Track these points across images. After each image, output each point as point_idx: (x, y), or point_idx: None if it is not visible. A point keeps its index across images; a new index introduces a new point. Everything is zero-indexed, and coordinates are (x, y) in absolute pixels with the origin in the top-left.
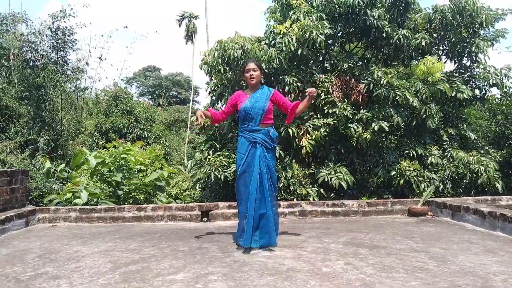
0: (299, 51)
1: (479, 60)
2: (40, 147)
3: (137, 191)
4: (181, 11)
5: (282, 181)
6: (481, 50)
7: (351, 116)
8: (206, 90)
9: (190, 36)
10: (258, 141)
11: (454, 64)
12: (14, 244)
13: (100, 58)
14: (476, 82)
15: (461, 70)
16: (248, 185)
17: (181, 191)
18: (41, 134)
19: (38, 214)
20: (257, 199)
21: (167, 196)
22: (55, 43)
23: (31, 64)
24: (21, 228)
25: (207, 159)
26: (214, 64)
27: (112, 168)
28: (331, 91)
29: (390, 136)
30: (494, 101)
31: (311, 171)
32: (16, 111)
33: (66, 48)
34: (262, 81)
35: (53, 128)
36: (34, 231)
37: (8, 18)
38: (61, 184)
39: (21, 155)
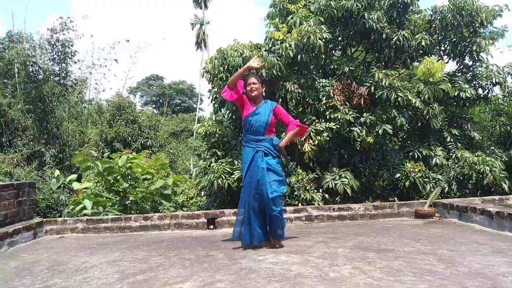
0: (298, 56)
1: (481, 59)
2: (46, 161)
3: (143, 200)
4: (194, 15)
5: (286, 187)
6: (483, 49)
7: (353, 120)
8: (209, 98)
9: (199, 43)
10: (262, 150)
11: (457, 64)
12: (23, 256)
13: (108, 81)
14: (479, 81)
15: (464, 70)
16: (248, 191)
17: (188, 199)
18: (48, 146)
19: (45, 226)
20: (256, 200)
21: (174, 205)
22: (55, 56)
23: (33, 77)
24: (29, 240)
25: (211, 167)
26: (216, 72)
27: (118, 177)
28: (333, 95)
29: (394, 139)
30: (497, 100)
31: (316, 175)
32: (22, 124)
33: (67, 60)
34: (264, 94)
35: (58, 139)
36: (42, 243)
37: (15, 36)
38: (68, 195)
39: (28, 167)
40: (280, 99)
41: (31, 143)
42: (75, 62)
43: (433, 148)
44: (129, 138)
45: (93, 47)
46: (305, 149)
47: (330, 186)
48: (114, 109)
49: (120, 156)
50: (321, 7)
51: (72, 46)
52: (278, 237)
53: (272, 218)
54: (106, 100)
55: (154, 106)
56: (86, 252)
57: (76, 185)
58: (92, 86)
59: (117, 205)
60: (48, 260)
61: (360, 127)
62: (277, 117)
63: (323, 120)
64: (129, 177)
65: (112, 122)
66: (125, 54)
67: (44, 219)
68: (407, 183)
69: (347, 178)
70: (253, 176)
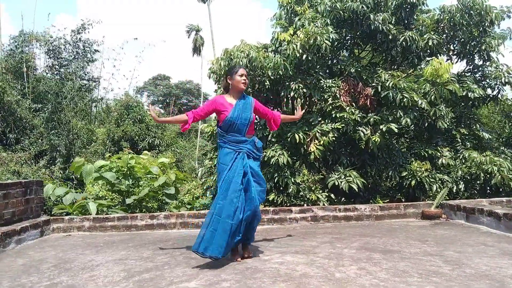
0: (304, 56)
1: (491, 58)
2: (59, 151)
3: (147, 199)
4: (188, 24)
5: (291, 187)
6: (493, 49)
7: (359, 120)
8: None
9: (198, 48)
10: (244, 151)
11: (466, 63)
12: (30, 254)
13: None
14: (488, 81)
15: (473, 70)
16: (230, 194)
17: (194, 199)
18: (56, 140)
19: (52, 224)
20: (239, 207)
21: (180, 204)
22: (76, 54)
23: (52, 72)
24: (36, 238)
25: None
26: (222, 73)
27: (120, 178)
28: (339, 96)
29: (401, 139)
30: (507, 101)
31: (321, 176)
32: (30, 123)
33: (84, 59)
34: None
35: (68, 135)
36: (49, 241)
37: (27, 35)
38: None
39: (35, 166)
40: (285, 99)
41: (39, 141)
42: (92, 61)
43: (440, 148)
44: (137, 137)
45: (103, 48)
46: (311, 149)
47: (336, 184)
48: (122, 108)
49: (119, 158)
50: (328, 8)
51: (91, 46)
52: (251, 242)
53: (254, 223)
54: (114, 99)
55: (161, 105)
56: (92, 250)
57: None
58: (101, 86)
59: (119, 206)
60: (55, 258)
61: (365, 127)
62: (257, 113)
63: (329, 121)
64: (131, 176)
65: (119, 121)
66: (131, 54)
67: (51, 217)
68: (413, 182)
69: (351, 176)
70: (234, 180)
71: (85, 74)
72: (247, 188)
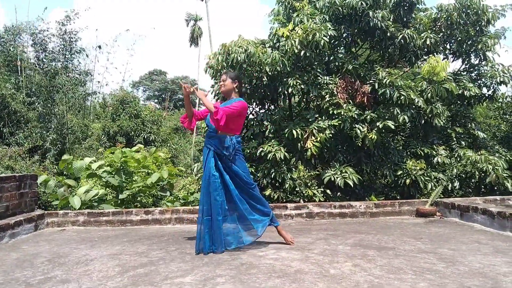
0: (302, 53)
1: (487, 58)
2: (49, 147)
3: (141, 194)
4: (187, 13)
5: (288, 183)
6: (489, 48)
7: (356, 117)
8: (212, 93)
9: (195, 39)
10: (213, 149)
11: (462, 62)
12: (24, 248)
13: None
14: (484, 80)
15: (469, 69)
16: (212, 192)
17: (189, 194)
18: (48, 135)
19: (47, 218)
20: (220, 203)
21: (174, 199)
22: (63, 46)
23: (41, 66)
24: (30, 232)
25: None
26: (219, 68)
27: (113, 173)
28: (336, 93)
29: (397, 137)
30: (505, 99)
31: (317, 172)
32: (24, 116)
33: (71, 51)
34: (237, 90)
35: (60, 131)
36: (43, 235)
37: (16, 28)
38: (70, 189)
39: (30, 160)
40: (283, 95)
41: (34, 135)
42: (78, 52)
43: (435, 147)
44: (132, 132)
45: (97, 41)
46: (307, 146)
47: (332, 180)
48: (118, 103)
49: (112, 152)
50: (326, 4)
51: (77, 39)
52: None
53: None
54: (110, 93)
55: (156, 101)
56: (87, 245)
57: (71, 182)
58: (95, 80)
59: (112, 200)
60: (49, 252)
61: (362, 124)
62: None
63: (326, 118)
64: (124, 171)
65: (115, 116)
66: (126, 46)
67: (46, 211)
68: (407, 181)
69: (347, 173)
70: (212, 180)
71: (75, 68)
72: (226, 187)
